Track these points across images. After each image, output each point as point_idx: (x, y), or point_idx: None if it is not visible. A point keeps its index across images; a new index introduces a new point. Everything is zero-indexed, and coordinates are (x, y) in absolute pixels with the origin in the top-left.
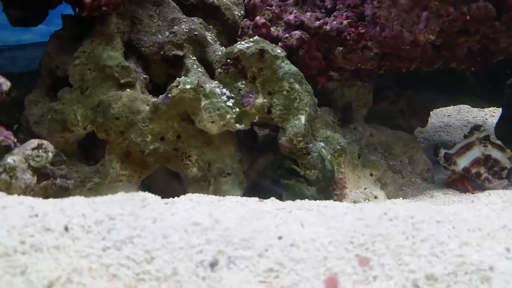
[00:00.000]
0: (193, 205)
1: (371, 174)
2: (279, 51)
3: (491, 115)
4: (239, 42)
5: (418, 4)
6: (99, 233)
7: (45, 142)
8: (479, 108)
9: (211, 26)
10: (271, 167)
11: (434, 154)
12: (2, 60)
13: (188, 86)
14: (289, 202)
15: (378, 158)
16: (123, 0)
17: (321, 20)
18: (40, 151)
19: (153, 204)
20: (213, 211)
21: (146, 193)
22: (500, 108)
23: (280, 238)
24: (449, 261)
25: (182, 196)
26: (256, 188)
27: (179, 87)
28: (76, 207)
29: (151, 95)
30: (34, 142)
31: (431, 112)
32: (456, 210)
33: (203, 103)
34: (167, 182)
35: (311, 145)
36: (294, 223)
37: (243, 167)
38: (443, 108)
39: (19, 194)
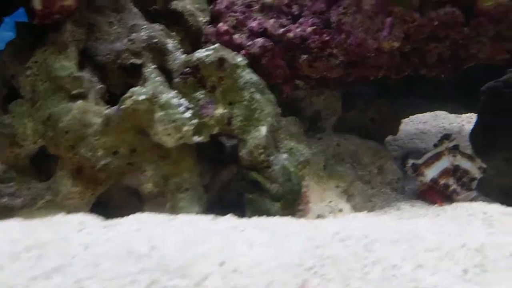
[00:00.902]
0: (138, 226)
1: (337, 186)
2: (239, 59)
3: (468, 121)
4: (198, 50)
5: (382, 10)
6: (28, 260)
7: None
8: (456, 115)
9: (173, 33)
10: (235, 179)
11: (402, 164)
12: None
13: (141, 97)
14: (244, 220)
15: (345, 168)
16: (77, 7)
17: (285, 28)
18: None
19: (90, 228)
20: (154, 235)
21: (85, 215)
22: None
23: (222, 264)
24: (400, 286)
25: (131, 216)
26: (221, 201)
27: (133, 98)
28: (7, 231)
29: (109, 106)
30: None
31: (407, 119)
32: (417, 226)
33: (157, 115)
34: (125, 198)
35: (272, 157)
36: (243, 245)
37: (204, 180)
38: (420, 114)
39: None
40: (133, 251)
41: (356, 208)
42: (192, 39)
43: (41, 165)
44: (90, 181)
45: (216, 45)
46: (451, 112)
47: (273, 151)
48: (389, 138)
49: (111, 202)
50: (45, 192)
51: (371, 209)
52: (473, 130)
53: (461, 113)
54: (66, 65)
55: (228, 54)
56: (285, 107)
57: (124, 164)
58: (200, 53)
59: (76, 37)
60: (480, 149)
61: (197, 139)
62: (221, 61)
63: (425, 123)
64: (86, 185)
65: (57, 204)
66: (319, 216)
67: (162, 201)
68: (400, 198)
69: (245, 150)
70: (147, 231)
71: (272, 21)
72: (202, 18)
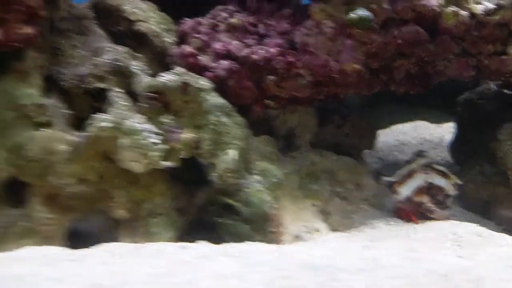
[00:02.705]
0: (105, 259)
1: (313, 205)
2: (204, 83)
3: (449, 131)
4: (162, 74)
5: (342, 33)
6: None
7: None
8: (436, 124)
9: (140, 55)
10: (207, 202)
11: (376, 181)
12: None
13: (104, 124)
14: (214, 247)
15: (320, 187)
16: (37, 34)
17: (249, 50)
18: None
19: (59, 262)
20: (122, 268)
21: (54, 247)
22: None
23: None
24: None
25: (100, 246)
26: (200, 223)
27: (96, 124)
28: None
29: (76, 131)
30: None
31: (387, 129)
32: (383, 253)
33: (122, 141)
34: (103, 222)
35: (243, 180)
36: (206, 279)
37: (180, 203)
38: (400, 124)
39: None
40: (99, 285)
41: (333, 226)
42: (161, 60)
43: (13, 192)
44: (64, 207)
45: (180, 68)
46: (435, 121)
47: (243, 174)
48: (372, 150)
49: (89, 227)
50: (20, 219)
51: (349, 227)
52: (452, 142)
53: (447, 121)
54: (28, 92)
55: (192, 78)
56: (258, 126)
57: (93, 191)
58: (164, 77)
59: (39, 63)
60: (459, 161)
61: (165, 164)
62: (185, 85)
63: (405, 134)
64: (60, 211)
65: (32, 231)
66: (297, 237)
67: (137, 225)
68: (377, 215)
69: (215, 174)
70: (114, 264)
71: (235, 42)
72: (168, 39)
